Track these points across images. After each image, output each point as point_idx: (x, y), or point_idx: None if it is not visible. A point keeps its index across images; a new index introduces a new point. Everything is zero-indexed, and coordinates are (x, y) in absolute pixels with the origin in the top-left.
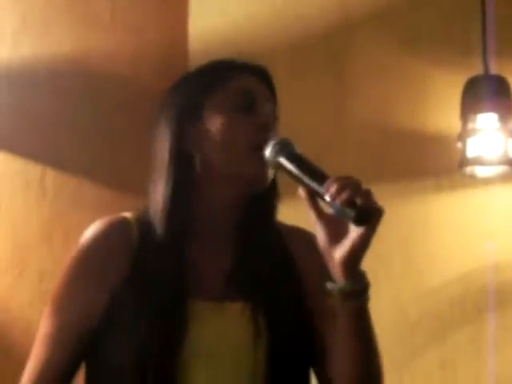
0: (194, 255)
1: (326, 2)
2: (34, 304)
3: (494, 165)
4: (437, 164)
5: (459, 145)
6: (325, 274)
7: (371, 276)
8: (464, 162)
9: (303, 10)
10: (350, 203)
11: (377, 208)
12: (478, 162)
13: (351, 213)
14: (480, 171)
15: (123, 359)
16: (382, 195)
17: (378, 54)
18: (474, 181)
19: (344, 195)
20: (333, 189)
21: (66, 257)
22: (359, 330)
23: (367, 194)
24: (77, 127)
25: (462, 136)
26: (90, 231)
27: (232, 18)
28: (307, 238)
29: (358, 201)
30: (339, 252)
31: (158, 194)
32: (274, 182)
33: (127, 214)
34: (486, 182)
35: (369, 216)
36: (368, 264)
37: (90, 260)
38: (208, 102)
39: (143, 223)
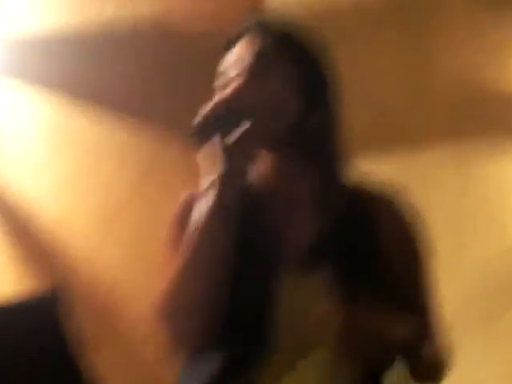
0: (277, 221)
1: None
2: (125, 258)
3: None
4: None
5: None
6: (406, 238)
7: (457, 230)
8: None
9: None
10: None
11: None
12: None
13: None
14: None
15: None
16: (466, 153)
17: (465, 11)
18: None
19: None
20: None
21: (157, 212)
22: None
23: None
24: (159, 88)
25: None
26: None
27: None
28: (388, 201)
29: None
30: None
31: None
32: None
33: None
34: None
35: None
36: (454, 217)
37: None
38: None
39: None
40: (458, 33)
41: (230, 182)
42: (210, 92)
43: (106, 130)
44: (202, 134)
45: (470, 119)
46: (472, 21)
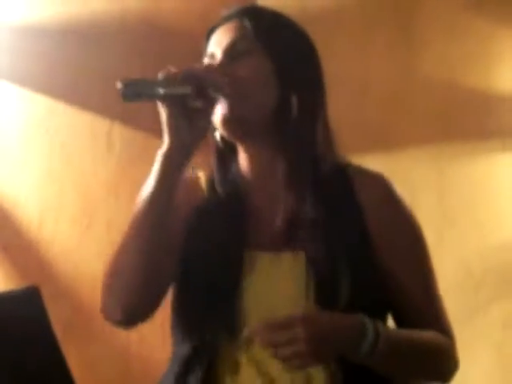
0: (256, 204)
1: None
2: (102, 256)
3: None
4: (502, 125)
5: None
6: (397, 228)
7: (436, 234)
8: None
9: None
10: None
11: None
12: None
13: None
14: None
15: (194, 292)
16: (446, 154)
17: (446, 11)
18: None
19: None
20: None
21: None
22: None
23: None
24: None
25: None
26: None
27: None
28: (381, 187)
29: None
30: None
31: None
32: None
33: (201, 173)
34: None
35: None
36: (433, 221)
37: None
38: None
39: (211, 180)
40: (441, 32)
41: (173, 159)
42: None
43: (86, 128)
44: (137, 89)
45: (450, 120)
46: (454, 19)
